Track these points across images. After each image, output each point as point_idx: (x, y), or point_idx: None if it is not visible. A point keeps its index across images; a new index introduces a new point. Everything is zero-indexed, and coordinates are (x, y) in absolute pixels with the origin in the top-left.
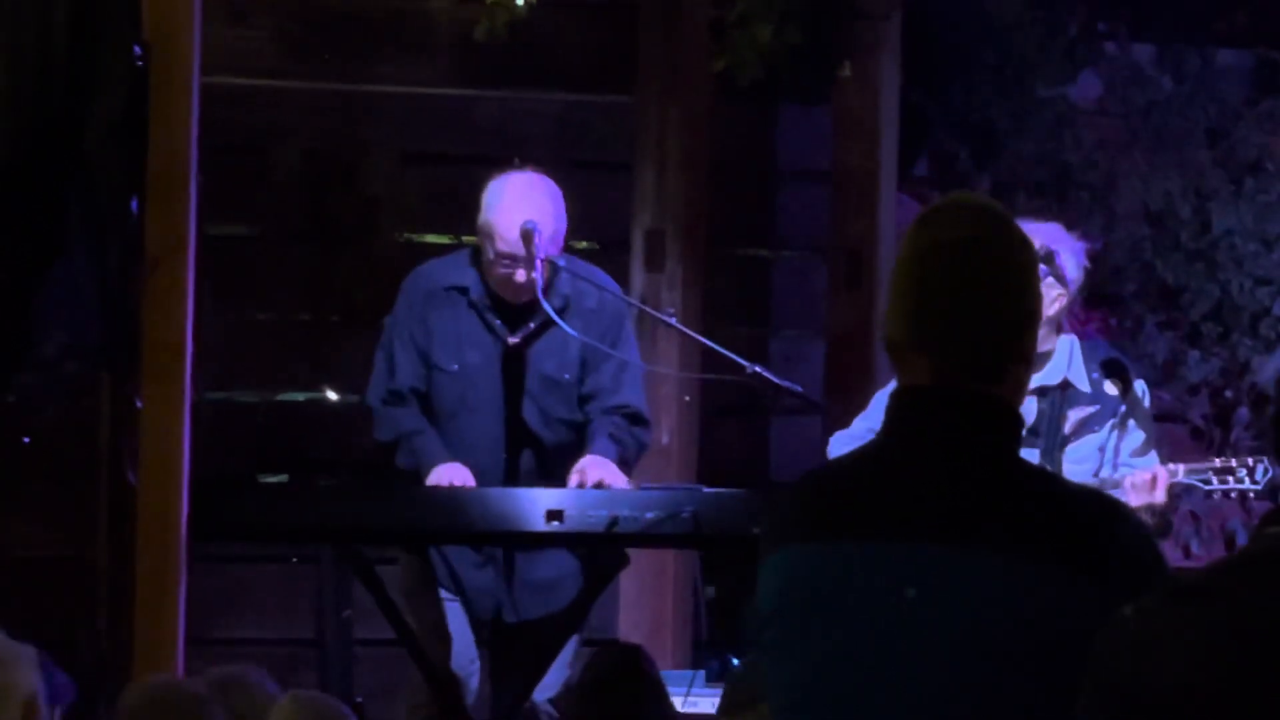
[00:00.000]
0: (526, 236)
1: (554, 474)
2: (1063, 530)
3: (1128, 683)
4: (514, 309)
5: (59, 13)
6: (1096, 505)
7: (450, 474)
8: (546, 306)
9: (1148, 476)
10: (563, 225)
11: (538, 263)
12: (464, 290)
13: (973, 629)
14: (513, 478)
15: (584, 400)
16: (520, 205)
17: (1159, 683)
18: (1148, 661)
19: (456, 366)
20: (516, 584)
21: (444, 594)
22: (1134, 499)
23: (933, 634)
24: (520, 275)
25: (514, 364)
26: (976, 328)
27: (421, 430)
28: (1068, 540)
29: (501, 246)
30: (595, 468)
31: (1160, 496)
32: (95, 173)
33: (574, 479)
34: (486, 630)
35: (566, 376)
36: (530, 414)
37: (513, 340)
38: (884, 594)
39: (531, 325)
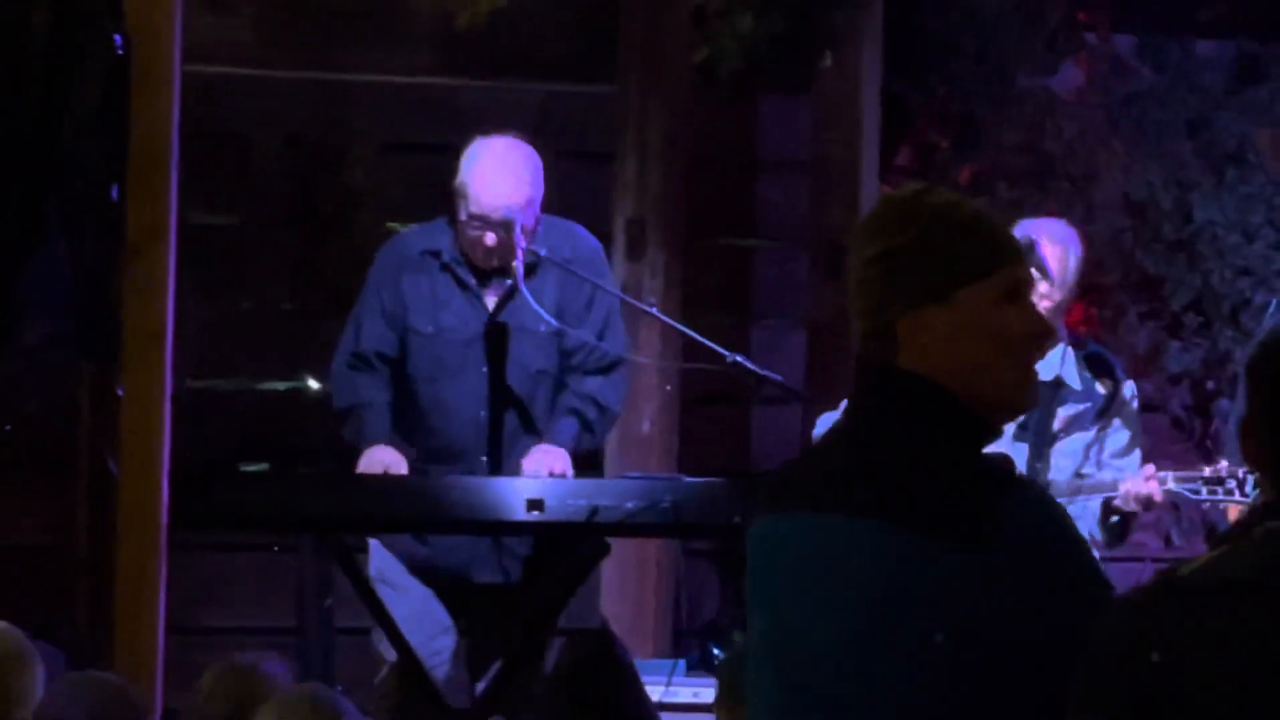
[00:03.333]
0: (507, 226)
1: (538, 430)
2: (946, 502)
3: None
4: (487, 270)
5: (39, 3)
6: (990, 479)
7: (382, 456)
8: (523, 286)
9: (1144, 493)
10: (539, 192)
11: (519, 250)
12: (437, 254)
13: (863, 598)
14: (496, 437)
15: (567, 355)
16: (498, 175)
17: (1173, 679)
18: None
19: (433, 329)
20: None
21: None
22: (1125, 504)
23: (837, 602)
24: (490, 239)
25: (491, 322)
26: (858, 314)
27: (372, 403)
28: (950, 512)
29: (474, 209)
30: (543, 458)
31: (1149, 509)
32: (75, 162)
33: (526, 468)
34: (464, 596)
35: (543, 329)
36: (511, 371)
37: (489, 298)
38: (808, 562)
39: (508, 282)
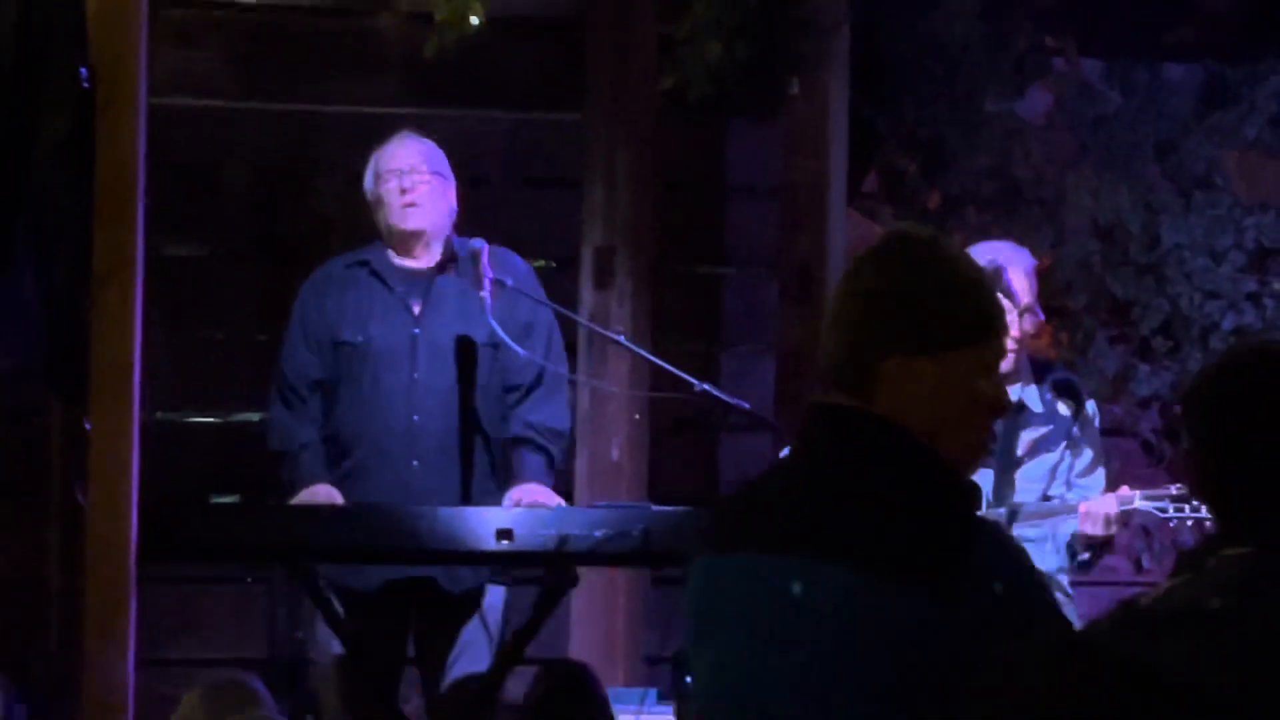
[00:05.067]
0: (474, 256)
1: (469, 440)
2: (910, 548)
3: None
4: (415, 275)
5: (4, 35)
6: (956, 527)
7: (314, 497)
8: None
9: (1100, 512)
10: (450, 174)
11: (486, 281)
12: (364, 263)
13: (820, 642)
14: (425, 445)
15: (509, 373)
16: (400, 141)
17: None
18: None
19: (362, 338)
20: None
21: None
22: (1087, 528)
23: (792, 645)
24: (408, 181)
25: (420, 329)
26: (838, 343)
27: (307, 445)
28: (914, 560)
29: (388, 166)
30: (529, 496)
31: (1113, 530)
32: (42, 195)
33: (510, 502)
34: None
35: (477, 338)
36: (441, 377)
37: (415, 305)
38: (760, 603)
39: (433, 288)
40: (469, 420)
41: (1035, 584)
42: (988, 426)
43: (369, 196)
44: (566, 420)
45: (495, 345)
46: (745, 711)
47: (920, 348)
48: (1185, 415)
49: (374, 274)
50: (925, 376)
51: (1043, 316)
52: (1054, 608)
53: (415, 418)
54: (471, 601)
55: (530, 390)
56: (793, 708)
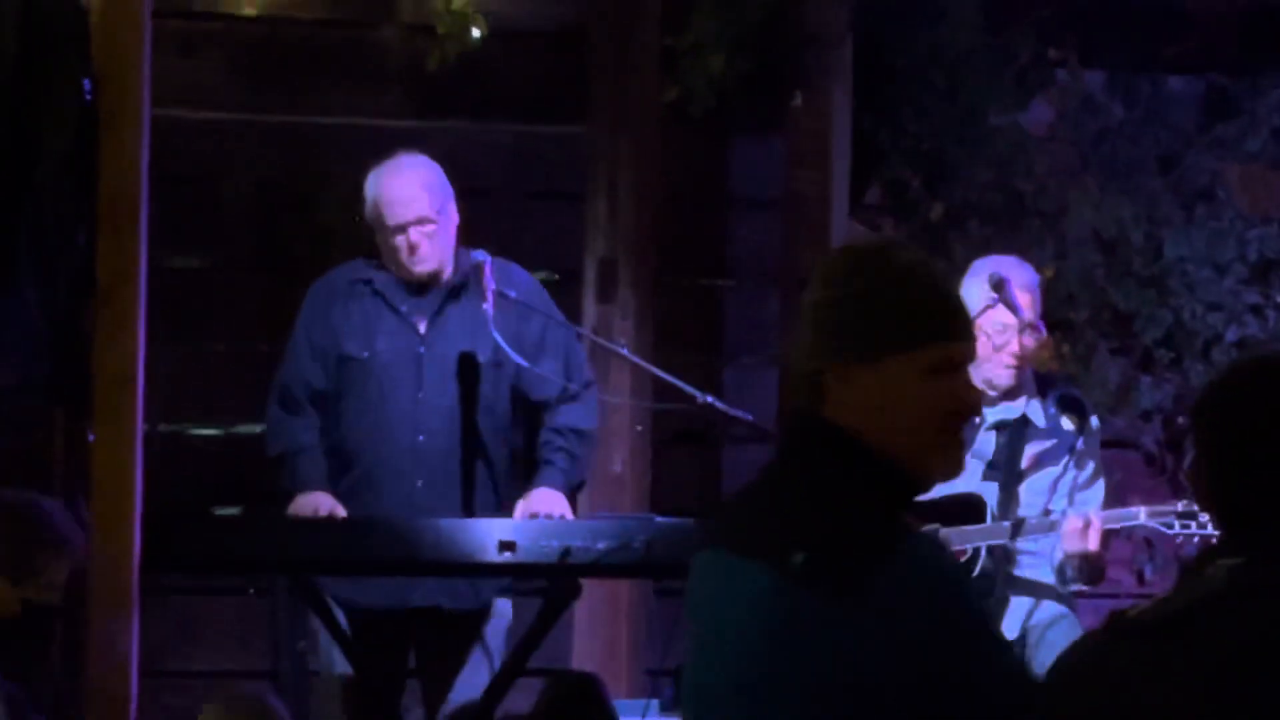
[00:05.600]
0: (477, 269)
1: (472, 459)
2: (827, 553)
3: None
4: (420, 293)
5: (7, 46)
6: (879, 536)
7: (314, 501)
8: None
9: (1080, 524)
10: (450, 194)
11: (489, 293)
12: (368, 281)
13: (742, 641)
14: (429, 464)
15: (532, 387)
16: (404, 180)
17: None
18: (1113, 699)
19: (368, 354)
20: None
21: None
22: (1068, 545)
23: (723, 642)
24: (415, 234)
25: (425, 347)
26: (794, 353)
27: (305, 449)
28: (828, 564)
29: (393, 220)
30: (543, 503)
31: (1094, 545)
32: (45, 207)
33: (521, 511)
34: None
35: (481, 358)
36: (446, 396)
37: (421, 324)
38: (710, 600)
39: (439, 306)
40: (472, 439)
41: (962, 601)
42: (949, 431)
43: (369, 222)
44: (593, 421)
45: (499, 364)
46: (695, 703)
47: (856, 356)
48: (1194, 425)
49: (378, 293)
50: (864, 384)
51: (1044, 331)
52: (981, 627)
53: (420, 437)
54: (476, 619)
55: (557, 403)
56: (724, 703)
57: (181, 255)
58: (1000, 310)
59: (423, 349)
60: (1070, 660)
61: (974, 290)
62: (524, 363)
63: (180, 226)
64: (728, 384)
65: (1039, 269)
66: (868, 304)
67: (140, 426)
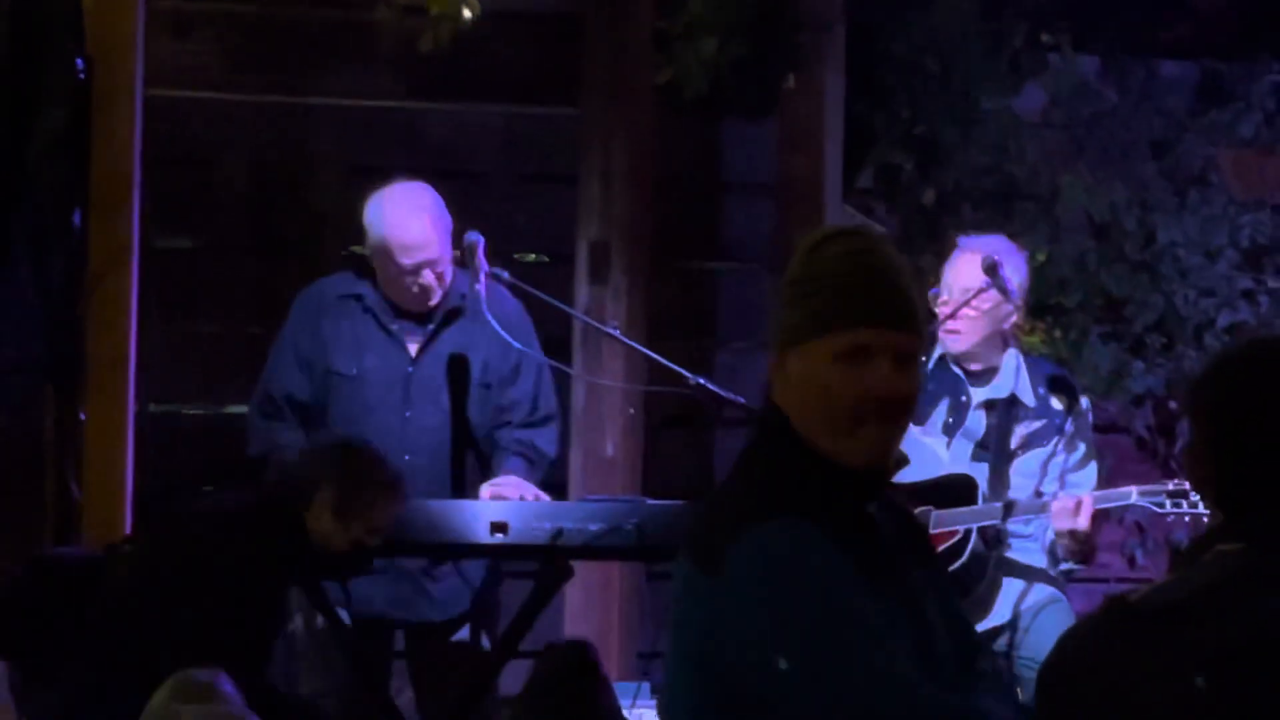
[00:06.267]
0: (470, 250)
1: (455, 478)
2: (702, 529)
3: (1088, 702)
4: (411, 313)
5: (0, 27)
6: (741, 513)
7: None
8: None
9: (1071, 503)
10: (450, 222)
11: (482, 275)
12: (359, 297)
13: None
14: (415, 483)
15: (501, 410)
16: (412, 218)
17: (1127, 703)
18: (1114, 685)
19: (355, 371)
20: (442, 583)
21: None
22: (1058, 524)
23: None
24: (429, 276)
25: (414, 368)
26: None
27: (288, 447)
28: (697, 540)
29: (405, 260)
30: (512, 487)
31: (1084, 523)
32: (39, 187)
33: (486, 494)
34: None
35: (470, 379)
36: (432, 417)
37: (412, 345)
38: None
39: (430, 328)
40: (459, 460)
41: (805, 585)
42: (860, 418)
43: (372, 253)
44: (553, 449)
45: (487, 386)
46: (663, 690)
47: (786, 342)
48: (1190, 408)
49: (368, 310)
50: (792, 370)
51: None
52: (823, 614)
53: (406, 457)
54: (457, 627)
55: (521, 425)
56: (666, 690)
57: (172, 236)
58: (992, 293)
59: (411, 369)
60: (1069, 645)
61: (963, 270)
62: (513, 342)
63: (171, 207)
64: (719, 367)
65: (1031, 254)
66: (796, 290)
67: (132, 407)
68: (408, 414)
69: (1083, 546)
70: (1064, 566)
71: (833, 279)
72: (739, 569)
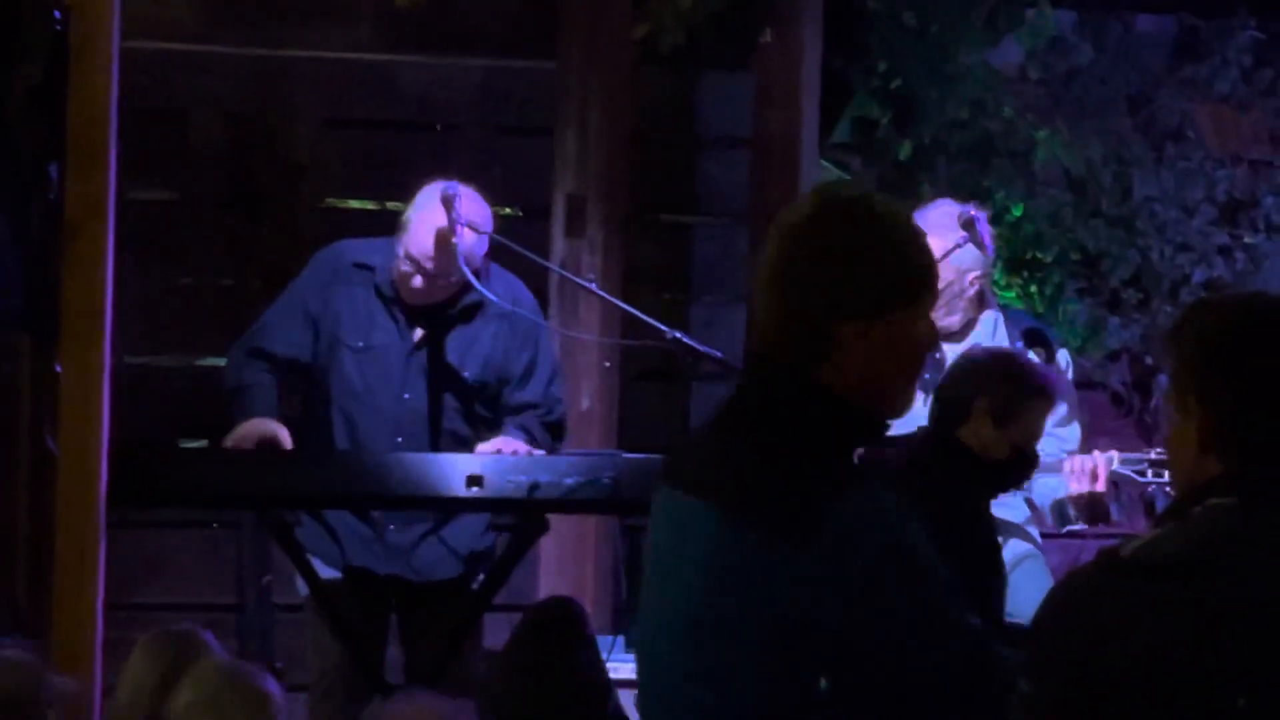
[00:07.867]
0: (448, 201)
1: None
2: (772, 494)
3: (1082, 656)
4: (421, 304)
5: None
6: (827, 478)
7: (257, 427)
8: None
9: (1090, 465)
10: (483, 245)
11: (459, 227)
12: (370, 269)
13: (689, 578)
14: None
15: (510, 410)
16: (439, 225)
17: (1123, 657)
18: (1109, 636)
19: (363, 344)
20: (420, 549)
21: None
22: (1074, 485)
23: (671, 579)
24: (418, 281)
25: (417, 353)
26: (784, 302)
27: (259, 384)
28: (772, 505)
29: (411, 249)
30: (507, 443)
31: (1102, 486)
32: (15, 139)
33: (485, 450)
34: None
35: (467, 374)
36: (428, 404)
37: (415, 334)
38: (663, 536)
39: (442, 321)
40: (452, 449)
41: (905, 549)
42: (919, 370)
43: (402, 216)
44: (558, 440)
45: (484, 384)
46: (648, 639)
47: (874, 312)
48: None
49: (380, 290)
50: (875, 339)
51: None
52: (922, 575)
53: (399, 439)
54: (449, 590)
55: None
56: (674, 640)
57: (147, 188)
58: (969, 249)
59: (415, 355)
60: (1062, 597)
61: (940, 228)
62: (502, 304)
63: (146, 159)
64: (695, 321)
65: (1007, 208)
66: (885, 258)
67: (108, 359)
68: (405, 396)
69: (1095, 509)
70: (1074, 526)
71: (905, 247)
72: (836, 534)
